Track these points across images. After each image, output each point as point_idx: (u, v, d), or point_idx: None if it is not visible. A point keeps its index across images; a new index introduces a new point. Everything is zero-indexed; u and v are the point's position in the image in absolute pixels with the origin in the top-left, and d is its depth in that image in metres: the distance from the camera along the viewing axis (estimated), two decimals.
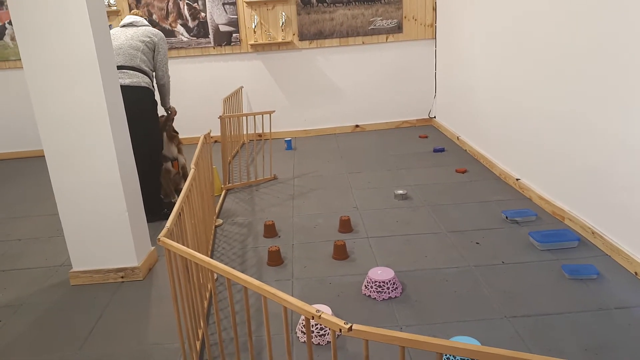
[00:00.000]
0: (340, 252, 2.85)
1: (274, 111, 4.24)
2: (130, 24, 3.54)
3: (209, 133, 3.29)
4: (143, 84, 3.36)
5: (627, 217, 2.52)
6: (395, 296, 2.44)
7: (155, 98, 3.50)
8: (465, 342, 1.96)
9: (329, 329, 1.13)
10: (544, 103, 3.25)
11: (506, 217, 3.15)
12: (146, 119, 3.43)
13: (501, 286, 2.47)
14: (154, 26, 5.52)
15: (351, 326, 1.10)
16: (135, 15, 3.64)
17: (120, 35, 3.45)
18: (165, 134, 3.77)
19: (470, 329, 2.16)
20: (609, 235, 2.67)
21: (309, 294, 2.50)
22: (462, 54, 4.80)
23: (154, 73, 3.54)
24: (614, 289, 2.37)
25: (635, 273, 2.46)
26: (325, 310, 2.21)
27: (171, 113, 3.84)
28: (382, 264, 2.73)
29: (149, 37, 3.43)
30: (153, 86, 3.51)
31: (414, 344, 1.06)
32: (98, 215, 2.67)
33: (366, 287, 2.49)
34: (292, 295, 2.48)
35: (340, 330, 1.12)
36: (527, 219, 3.12)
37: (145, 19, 3.70)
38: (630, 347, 1.98)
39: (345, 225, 3.17)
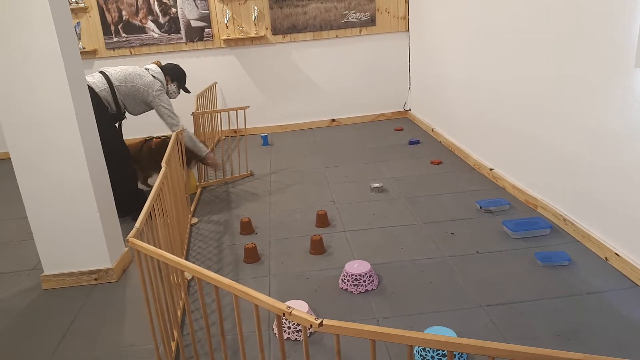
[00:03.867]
0: (318, 247, 2.84)
1: (248, 107, 4.21)
2: (145, 69, 3.59)
3: (181, 130, 3.25)
4: (90, 84, 3.31)
5: (597, 204, 2.57)
6: (372, 289, 2.45)
7: (103, 101, 3.39)
8: (441, 332, 1.99)
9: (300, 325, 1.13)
10: (515, 93, 3.29)
11: (480, 207, 3.19)
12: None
13: (476, 275, 2.50)
14: (125, 26, 5.42)
15: (322, 321, 1.10)
16: (155, 64, 3.69)
17: (134, 69, 3.53)
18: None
19: (446, 319, 2.18)
20: (580, 222, 2.73)
21: (286, 290, 2.49)
22: (435, 46, 4.83)
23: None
24: (585, 274, 2.42)
25: (606, 258, 2.51)
26: (301, 306, 2.21)
27: (208, 161, 3.91)
28: (359, 257, 2.74)
29: (138, 88, 3.42)
30: (107, 90, 3.40)
31: (384, 337, 1.06)
32: (68, 217, 2.61)
33: (343, 281, 2.49)
34: (269, 292, 2.48)
35: (311, 325, 1.11)
36: (500, 208, 3.16)
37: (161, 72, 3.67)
38: (601, 331, 2.03)
39: (322, 220, 3.17)
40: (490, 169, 3.72)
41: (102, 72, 3.41)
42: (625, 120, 2.30)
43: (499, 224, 2.96)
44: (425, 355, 1.91)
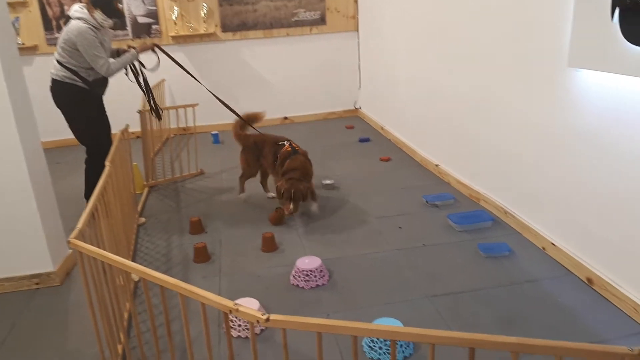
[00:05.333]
0: (269, 244, 2.85)
1: (197, 104, 4.14)
2: (68, 17, 3.22)
3: (126, 128, 3.16)
4: (57, 78, 3.15)
5: (535, 197, 2.71)
6: (323, 284, 2.48)
7: (78, 92, 3.22)
8: (388, 323, 2.04)
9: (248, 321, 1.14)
10: (458, 92, 3.41)
11: (426, 202, 3.29)
12: (65, 112, 3.23)
13: (422, 267, 2.58)
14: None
15: (268, 317, 1.11)
16: (77, 2, 3.25)
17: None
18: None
19: (394, 311, 2.24)
20: (520, 215, 2.86)
21: (237, 288, 2.48)
22: (383, 45, 4.92)
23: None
24: (524, 264, 2.55)
25: (543, 248, 2.65)
26: (252, 304, 2.21)
27: (144, 49, 3.49)
28: (310, 253, 2.76)
29: (68, 36, 3.15)
30: (79, 79, 3.22)
31: (329, 329, 1.08)
32: (6, 219, 2.50)
33: (294, 277, 2.51)
34: (219, 291, 2.47)
35: (258, 321, 1.12)
36: (446, 203, 3.27)
37: (84, 5, 3.24)
38: (539, 318, 2.14)
39: (278, 218, 3.16)
40: (436, 165, 3.84)
41: (60, 62, 3.16)
42: (560, 117, 2.43)
43: (445, 218, 3.07)
44: (373, 346, 1.96)
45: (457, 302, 2.28)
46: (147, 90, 3.61)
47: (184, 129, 5.47)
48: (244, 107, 5.74)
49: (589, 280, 2.32)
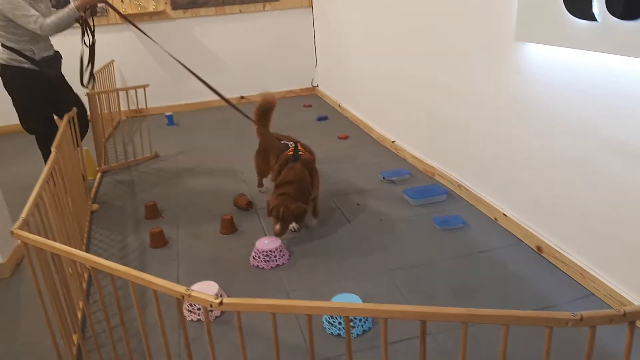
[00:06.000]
0: (228, 227, 2.82)
1: (148, 85, 4.01)
2: None
3: (74, 112, 3.03)
4: (2, 61, 2.96)
5: (487, 169, 2.78)
6: (283, 263, 2.49)
7: (27, 75, 3.03)
8: (347, 299, 2.07)
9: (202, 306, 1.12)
10: (412, 68, 3.44)
11: (383, 178, 3.33)
12: (13, 97, 3.05)
13: (380, 242, 2.62)
14: None
15: (221, 300, 1.10)
16: None
17: None
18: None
19: (354, 286, 2.27)
20: (473, 187, 2.94)
21: (196, 272, 2.46)
22: (338, 22, 4.88)
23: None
24: (477, 235, 2.63)
25: (495, 219, 2.73)
26: (211, 287, 2.20)
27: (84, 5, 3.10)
28: (270, 234, 2.75)
29: None
30: (25, 59, 3.02)
31: (282, 309, 1.09)
32: None
33: (254, 258, 2.50)
34: (177, 276, 2.44)
35: (211, 305, 1.11)
36: (402, 178, 3.32)
37: None
38: (492, 286, 2.22)
39: (242, 201, 3.10)
40: (393, 142, 3.88)
41: None
42: (509, 90, 2.49)
43: (401, 193, 3.12)
44: (333, 321, 1.99)
45: (415, 275, 2.33)
46: (92, 55, 3.40)
47: (138, 112, 5.31)
48: (200, 87, 5.62)
49: (539, 248, 2.42)
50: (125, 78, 5.46)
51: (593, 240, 2.11)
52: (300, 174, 2.67)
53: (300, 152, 2.80)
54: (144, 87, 4.00)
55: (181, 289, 1.15)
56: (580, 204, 2.14)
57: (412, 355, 1.84)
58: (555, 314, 1.01)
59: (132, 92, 4.07)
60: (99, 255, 2.62)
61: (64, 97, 3.23)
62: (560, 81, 2.14)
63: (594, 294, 2.11)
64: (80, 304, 2.07)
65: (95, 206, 3.26)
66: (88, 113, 3.52)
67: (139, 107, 4.35)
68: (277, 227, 2.57)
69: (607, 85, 1.90)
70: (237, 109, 3.24)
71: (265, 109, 3.26)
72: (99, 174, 3.77)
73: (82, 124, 3.30)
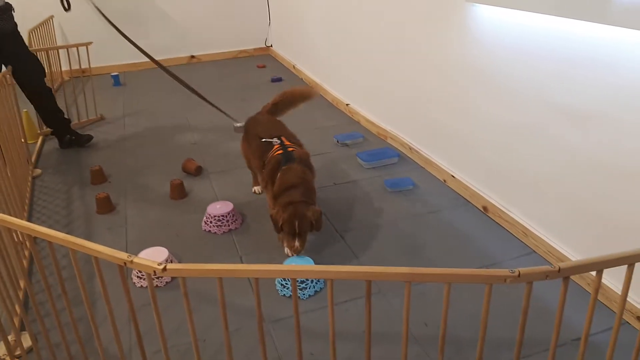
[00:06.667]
0: (178, 192, 2.76)
1: (91, 43, 3.80)
2: None
3: (7, 71, 2.84)
4: None
5: (437, 132, 2.82)
6: (236, 227, 2.47)
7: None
8: (299, 262, 2.08)
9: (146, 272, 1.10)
10: (365, 30, 3.39)
11: (337, 141, 3.33)
12: None
13: (333, 205, 2.63)
14: None
15: (165, 266, 1.08)
16: None
17: None
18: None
19: (306, 249, 2.28)
20: (423, 150, 2.98)
21: (145, 238, 2.41)
22: None
23: None
24: (427, 196, 2.68)
25: (444, 180, 2.80)
26: (161, 253, 2.16)
27: None
28: (223, 198, 2.72)
29: None
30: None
31: (228, 273, 1.08)
32: None
33: (206, 223, 2.47)
34: (126, 242, 2.38)
35: (155, 271, 1.09)
36: (355, 142, 3.33)
37: None
38: (440, 246, 2.29)
39: (190, 166, 3.02)
40: (347, 105, 3.87)
41: None
42: (459, 53, 2.50)
43: (354, 156, 3.13)
44: (285, 284, 2.01)
45: (366, 236, 2.37)
46: None
47: (82, 71, 5.05)
48: (147, 46, 5.37)
49: (485, 208, 2.50)
50: (67, 35, 5.14)
51: (536, 200, 2.19)
52: (302, 174, 2.22)
53: (290, 149, 2.33)
54: (87, 44, 3.79)
55: (123, 255, 1.12)
56: (526, 166, 2.21)
57: (361, 313, 1.88)
58: (494, 271, 1.05)
59: (73, 50, 3.84)
60: (42, 223, 2.52)
61: (19, 57, 3.02)
62: (509, 44, 2.16)
63: (535, 251, 2.21)
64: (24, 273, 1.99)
65: (38, 171, 3.11)
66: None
67: (82, 66, 4.12)
68: (296, 243, 2.11)
69: (554, 49, 1.94)
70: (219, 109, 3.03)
71: (294, 102, 2.84)
72: (40, 138, 3.58)
73: (39, 91, 3.13)
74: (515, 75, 2.16)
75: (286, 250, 2.23)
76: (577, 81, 1.87)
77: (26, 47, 3.16)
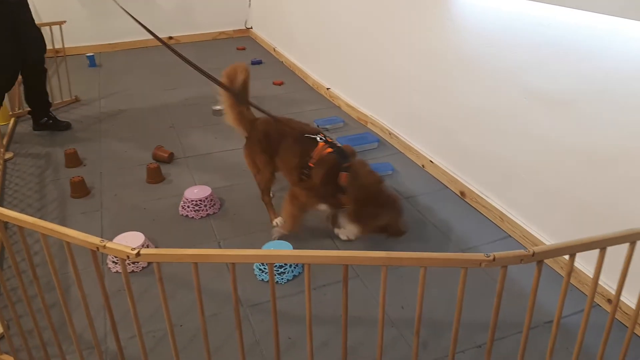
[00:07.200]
0: (155, 176, 2.72)
1: (64, 21, 3.68)
2: None
3: None
4: None
5: (416, 117, 2.82)
6: (214, 212, 2.45)
7: None
8: (278, 246, 2.08)
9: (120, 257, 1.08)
10: (346, 14, 3.36)
11: (318, 126, 3.30)
12: None
13: None
14: None
15: (139, 251, 1.06)
16: None
17: None
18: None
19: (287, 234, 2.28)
20: (403, 135, 2.99)
21: (121, 223, 2.37)
22: None
23: None
24: (406, 181, 2.69)
25: (423, 166, 2.81)
26: (137, 238, 2.13)
27: None
28: (200, 183, 2.68)
29: None
30: None
31: (203, 258, 1.06)
32: None
33: (183, 208, 2.44)
34: (101, 227, 2.34)
35: (128, 256, 1.07)
36: (336, 126, 3.31)
37: None
38: (418, 230, 2.30)
39: (161, 153, 2.95)
40: (327, 89, 3.84)
41: None
42: (441, 38, 2.49)
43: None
44: (264, 269, 2.00)
45: None
46: None
47: (56, 51, 4.91)
48: (124, 26, 5.23)
49: (462, 193, 2.52)
50: (40, 13, 4.97)
51: (512, 186, 2.22)
52: (374, 176, 2.04)
53: (338, 145, 2.10)
54: (60, 23, 3.67)
55: (96, 240, 1.09)
56: (502, 151, 2.23)
57: (340, 297, 1.89)
58: (470, 256, 1.06)
59: (46, 29, 3.72)
60: (14, 207, 2.46)
61: (25, 29, 2.92)
62: (489, 30, 2.16)
63: (511, 236, 2.25)
64: None
65: (10, 154, 3.02)
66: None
67: (56, 46, 3.99)
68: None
69: (532, 35, 1.95)
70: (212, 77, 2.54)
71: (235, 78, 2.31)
72: (12, 119, 3.48)
73: (39, 68, 3.11)
74: (494, 61, 2.16)
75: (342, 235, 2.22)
76: (552, 68, 1.88)
77: (34, 22, 3.10)
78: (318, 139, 2.09)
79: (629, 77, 1.60)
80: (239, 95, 2.25)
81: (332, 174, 1.99)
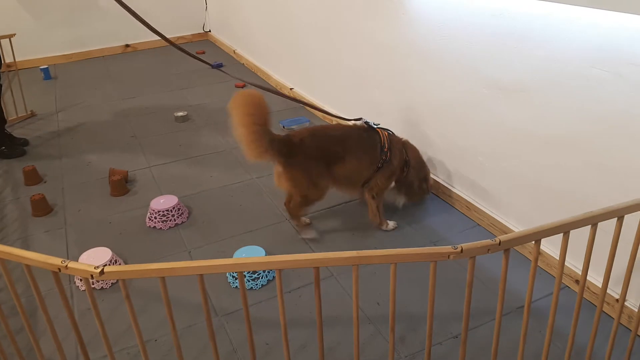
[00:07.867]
0: (118, 188, 2.65)
1: (14, 34, 3.55)
2: None
3: None
4: None
5: (379, 112, 2.84)
6: (182, 222, 2.40)
7: None
8: (250, 252, 2.06)
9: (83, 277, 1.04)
10: (306, 13, 3.35)
11: (283, 127, 3.29)
12: None
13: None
14: None
15: (102, 269, 1.03)
16: None
17: None
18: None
19: (258, 238, 2.26)
20: None
21: (87, 239, 2.30)
22: None
23: None
24: None
25: None
26: (104, 253, 2.07)
27: None
28: (166, 192, 2.63)
29: None
30: None
31: (169, 272, 1.04)
32: None
33: (150, 219, 2.39)
34: (66, 245, 2.27)
35: (92, 275, 1.03)
36: (302, 126, 3.30)
37: None
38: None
39: (117, 175, 2.81)
40: (291, 89, 3.83)
41: None
42: (398, 33, 2.51)
43: None
44: (236, 276, 1.97)
45: (315, 221, 2.36)
46: None
47: (6, 66, 4.73)
48: (77, 35, 5.08)
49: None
50: None
51: (477, 175, 2.26)
52: (414, 147, 2.39)
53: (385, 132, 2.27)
54: (10, 36, 3.54)
55: (57, 261, 1.05)
56: (466, 142, 2.27)
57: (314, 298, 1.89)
58: (438, 249, 1.06)
59: None
60: None
61: None
62: (445, 20, 2.19)
63: (479, 225, 2.28)
64: None
65: None
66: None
67: (6, 60, 3.84)
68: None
69: (487, 24, 1.98)
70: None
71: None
72: None
73: None
74: (452, 53, 2.19)
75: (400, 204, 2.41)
76: (507, 57, 1.92)
77: None
78: (372, 124, 2.23)
79: (581, 64, 1.64)
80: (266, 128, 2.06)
81: (402, 152, 2.29)
